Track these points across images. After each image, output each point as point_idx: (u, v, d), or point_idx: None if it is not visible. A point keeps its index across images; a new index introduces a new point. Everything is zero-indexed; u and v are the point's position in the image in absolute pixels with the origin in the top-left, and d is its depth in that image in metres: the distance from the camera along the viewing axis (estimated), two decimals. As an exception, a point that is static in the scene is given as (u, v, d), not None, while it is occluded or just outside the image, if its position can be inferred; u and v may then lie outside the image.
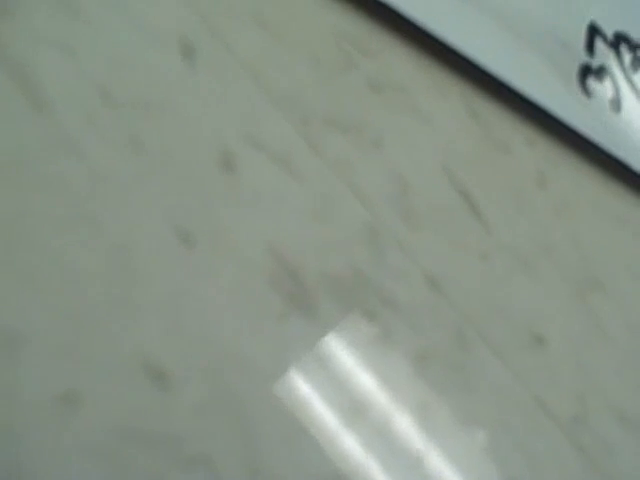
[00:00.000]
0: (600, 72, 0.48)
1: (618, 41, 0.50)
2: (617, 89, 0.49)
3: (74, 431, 0.29)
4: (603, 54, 0.49)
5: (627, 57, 0.50)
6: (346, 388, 0.34)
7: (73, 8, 0.34)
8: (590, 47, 0.49)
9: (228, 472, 0.31)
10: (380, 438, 0.34)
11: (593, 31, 0.49)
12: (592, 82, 0.48)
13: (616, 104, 0.48)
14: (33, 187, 0.32)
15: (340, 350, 0.35)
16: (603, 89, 0.48)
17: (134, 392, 0.31)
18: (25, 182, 0.32)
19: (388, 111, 0.40)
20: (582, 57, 0.48)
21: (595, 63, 0.48)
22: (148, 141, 0.34)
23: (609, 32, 0.50)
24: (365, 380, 0.35)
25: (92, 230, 0.32)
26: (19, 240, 0.31)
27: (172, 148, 0.34)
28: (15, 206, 0.31)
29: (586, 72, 0.48)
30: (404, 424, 0.35)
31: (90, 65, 0.34)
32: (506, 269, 0.40)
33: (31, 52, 0.33)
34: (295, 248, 0.35)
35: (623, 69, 0.50)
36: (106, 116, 0.34)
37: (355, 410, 0.34)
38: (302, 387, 0.33)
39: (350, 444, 0.33)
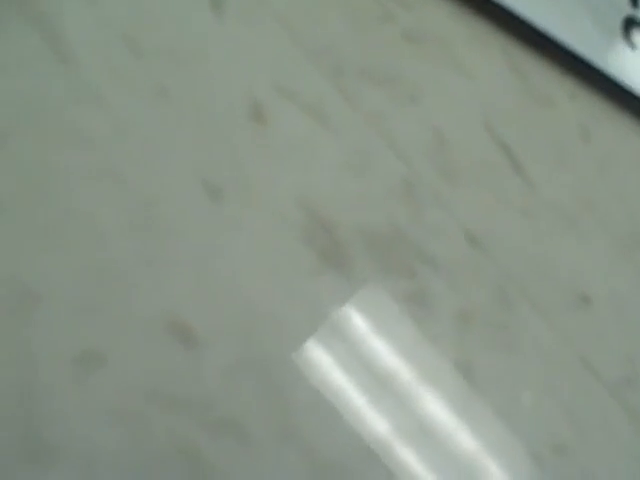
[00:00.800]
0: (645, 25, 0.46)
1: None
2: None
3: (95, 392, 0.28)
4: (648, 6, 0.47)
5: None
6: (382, 350, 0.33)
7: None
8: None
9: (257, 437, 0.30)
10: (418, 400, 0.33)
11: (638, -18, 0.47)
12: (637, 34, 0.46)
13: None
14: (57, 139, 0.30)
15: (377, 310, 0.33)
16: (648, 42, 0.46)
17: (159, 352, 0.29)
18: (49, 134, 0.30)
19: (425, 63, 0.39)
20: (626, 9, 0.46)
21: (640, 15, 0.46)
22: (175, 91, 0.33)
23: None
24: (404, 340, 0.33)
25: (116, 183, 0.31)
26: (41, 193, 0.29)
27: (200, 99, 0.33)
28: (39, 157, 0.30)
29: (631, 24, 0.46)
30: (446, 383, 0.33)
31: (115, 14, 0.33)
32: (549, 226, 0.39)
33: (55, 1, 0.32)
34: (329, 203, 0.34)
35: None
36: (131, 66, 0.32)
37: (392, 372, 0.32)
38: (336, 349, 0.32)
39: (385, 407, 0.32)
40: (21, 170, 0.30)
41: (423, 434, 0.32)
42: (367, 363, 0.33)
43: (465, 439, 0.33)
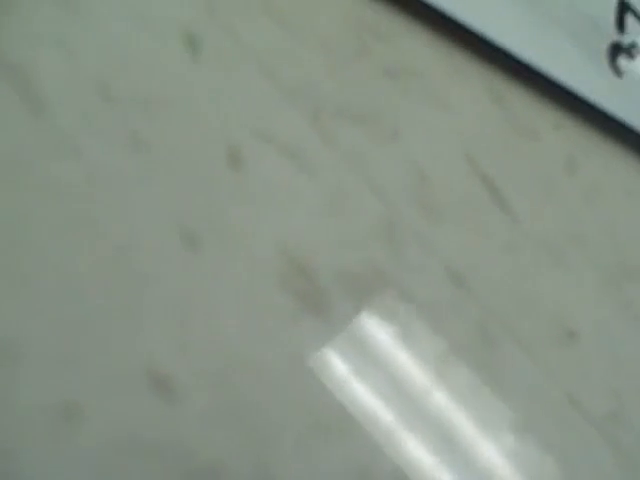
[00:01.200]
0: (632, 50, 0.46)
1: (651, 16, 0.48)
2: (650, 67, 0.47)
3: (75, 445, 0.28)
4: (635, 31, 0.47)
5: (660, 33, 0.48)
6: (363, 393, 0.33)
7: (70, 2, 0.33)
8: (620, 24, 0.46)
9: (240, 478, 0.30)
10: (400, 449, 0.32)
11: (623, 7, 0.47)
12: (623, 61, 0.45)
13: (649, 83, 0.46)
14: (31, 189, 0.30)
15: (357, 352, 0.33)
16: (635, 68, 0.46)
17: (138, 402, 0.29)
18: (22, 184, 0.30)
19: (405, 98, 0.38)
20: (612, 35, 0.46)
21: (626, 40, 0.46)
22: (150, 138, 0.33)
23: (641, 7, 0.47)
24: (383, 384, 0.33)
25: (92, 233, 0.31)
26: (16, 244, 0.29)
27: (176, 145, 0.33)
28: (12, 209, 0.30)
29: (617, 51, 0.45)
30: (428, 423, 0.33)
31: (88, 61, 0.33)
32: (534, 260, 0.38)
33: (27, 50, 0.32)
34: (308, 246, 0.34)
35: (656, 46, 0.47)
36: (105, 113, 0.32)
37: (372, 416, 0.32)
38: (316, 392, 0.32)
39: (365, 449, 0.32)
40: (-7, 224, 0.30)
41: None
42: (350, 403, 0.32)
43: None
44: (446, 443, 0.33)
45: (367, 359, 0.33)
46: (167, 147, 0.33)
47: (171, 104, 0.34)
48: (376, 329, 0.34)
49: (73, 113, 0.32)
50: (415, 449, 0.33)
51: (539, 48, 0.42)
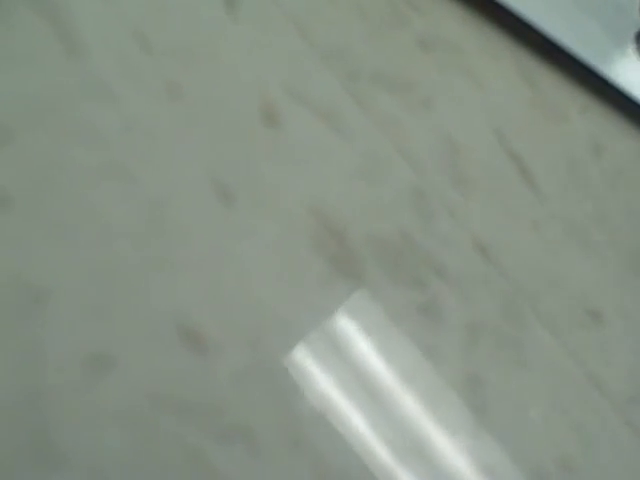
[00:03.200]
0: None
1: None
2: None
3: (103, 395, 0.27)
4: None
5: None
6: (392, 359, 0.32)
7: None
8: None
9: (267, 444, 0.29)
10: (427, 412, 0.32)
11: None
12: (648, 49, 0.45)
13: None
14: (66, 134, 0.29)
15: (387, 319, 0.32)
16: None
17: (168, 357, 0.28)
18: (58, 128, 0.29)
19: (438, 70, 0.38)
20: (639, 21, 0.45)
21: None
22: (186, 89, 0.32)
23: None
24: (412, 351, 0.32)
25: (127, 182, 0.30)
26: (50, 189, 0.29)
27: (212, 98, 0.32)
28: (48, 153, 0.29)
29: (642, 38, 0.45)
30: (453, 397, 0.32)
31: (127, 7, 0.32)
32: (559, 240, 0.38)
33: (65, -6, 0.31)
34: (340, 209, 0.33)
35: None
36: (142, 61, 0.31)
37: (402, 381, 0.32)
38: (345, 356, 0.31)
39: (395, 416, 0.31)
40: (30, 166, 0.29)
41: (427, 447, 0.31)
42: (375, 371, 0.32)
43: (470, 453, 0.32)
44: (474, 412, 0.33)
45: (396, 326, 0.33)
46: (202, 100, 0.32)
47: (208, 57, 0.33)
48: (405, 297, 0.33)
49: (110, 58, 0.31)
50: (448, 412, 0.32)
51: (569, 31, 0.42)
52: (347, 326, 0.32)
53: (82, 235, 0.28)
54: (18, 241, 0.27)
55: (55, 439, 0.26)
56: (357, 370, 0.31)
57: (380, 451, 0.31)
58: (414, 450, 0.31)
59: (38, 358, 0.27)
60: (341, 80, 0.35)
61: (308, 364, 0.30)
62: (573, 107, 0.42)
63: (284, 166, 0.33)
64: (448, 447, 0.32)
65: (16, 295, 0.27)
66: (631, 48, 0.44)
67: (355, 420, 0.31)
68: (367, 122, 0.35)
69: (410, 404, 0.32)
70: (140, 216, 0.29)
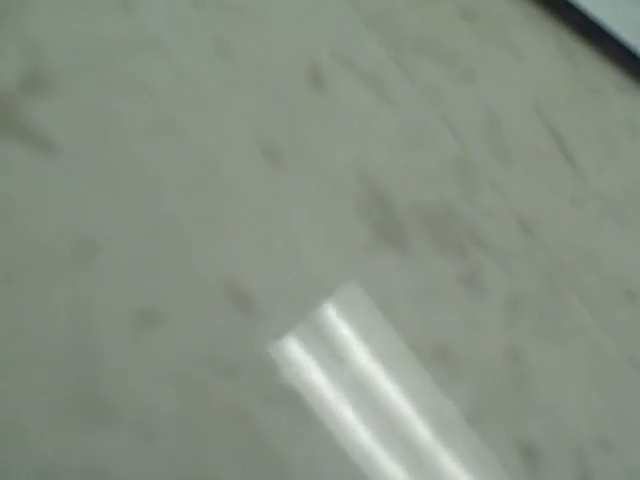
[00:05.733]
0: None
1: None
2: None
3: (151, 351, 0.27)
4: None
5: None
6: (433, 327, 0.31)
7: None
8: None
9: (313, 408, 0.28)
10: (468, 380, 0.31)
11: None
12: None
13: None
14: (116, 87, 0.29)
15: (429, 287, 0.32)
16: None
17: (217, 315, 0.28)
18: (108, 81, 0.29)
19: (480, 41, 0.37)
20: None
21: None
22: (235, 47, 0.31)
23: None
24: (454, 320, 0.32)
25: (176, 137, 0.29)
26: (100, 140, 0.28)
27: (260, 57, 0.32)
28: (96, 104, 0.28)
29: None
30: (496, 368, 0.32)
31: (177, -38, 0.31)
32: (597, 217, 0.37)
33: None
34: (385, 176, 0.32)
35: None
36: (193, 18, 0.31)
37: (441, 349, 0.31)
38: (386, 322, 0.31)
39: (435, 385, 0.31)
40: (78, 115, 0.28)
41: (466, 420, 0.31)
42: (417, 338, 0.31)
43: (507, 427, 0.32)
44: (514, 385, 0.32)
45: (438, 295, 0.32)
46: (251, 58, 0.31)
47: (257, 17, 0.32)
48: (448, 267, 0.33)
49: (160, 12, 0.30)
50: (488, 384, 0.32)
51: (609, 9, 0.41)
52: (389, 293, 0.31)
53: (131, 187, 0.28)
54: (65, 190, 0.27)
55: (102, 394, 0.25)
56: (398, 337, 0.31)
57: (421, 424, 0.30)
58: (454, 425, 0.31)
59: (86, 310, 0.26)
60: (386, 46, 0.35)
61: (351, 328, 0.30)
62: (611, 87, 0.41)
63: (330, 130, 0.32)
64: (487, 419, 0.31)
65: (64, 245, 0.26)
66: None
67: (397, 387, 0.30)
68: (411, 89, 0.34)
69: (449, 371, 0.31)
70: (189, 172, 0.29)
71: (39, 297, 0.25)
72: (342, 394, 0.29)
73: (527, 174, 0.36)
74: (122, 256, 0.27)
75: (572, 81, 0.40)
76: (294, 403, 0.28)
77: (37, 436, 0.24)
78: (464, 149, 0.35)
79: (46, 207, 0.26)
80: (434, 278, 0.32)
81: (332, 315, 0.30)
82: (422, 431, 0.30)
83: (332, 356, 0.29)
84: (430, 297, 0.32)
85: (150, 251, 0.28)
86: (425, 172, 0.33)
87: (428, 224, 0.33)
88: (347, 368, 0.29)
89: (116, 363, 0.26)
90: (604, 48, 0.41)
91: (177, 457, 0.26)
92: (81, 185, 0.27)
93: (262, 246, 0.29)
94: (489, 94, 0.37)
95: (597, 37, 0.41)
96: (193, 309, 0.28)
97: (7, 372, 0.24)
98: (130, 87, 0.29)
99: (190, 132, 0.29)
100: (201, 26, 0.31)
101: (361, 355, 0.30)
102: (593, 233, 0.37)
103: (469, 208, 0.34)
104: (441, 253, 0.32)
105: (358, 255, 0.31)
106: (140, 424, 0.25)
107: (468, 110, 0.36)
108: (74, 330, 0.25)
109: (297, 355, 0.29)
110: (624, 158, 0.40)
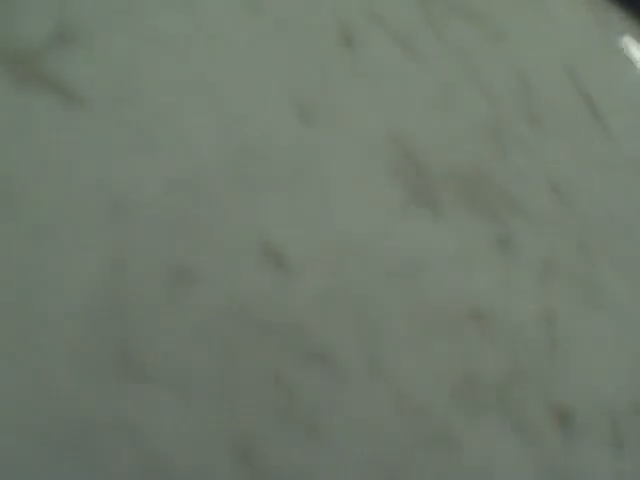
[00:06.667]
0: None
1: None
2: None
3: (185, 310, 0.26)
4: None
5: None
6: (468, 290, 0.31)
7: None
8: None
9: (349, 369, 0.28)
10: (503, 343, 0.31)
11: None
12: None
13: None
14: (146, 41, 0.28)
15: (463, 250, 0.31)
16: None
17: (252, 275, 0.27)
18: (138, 35, 0.28)
19: (511, 3, 0.37)
20: None
21: None
22: (264, 3, 0.31)
23: None
24: (489, 283, 0.31)
25: (207, 95, 0.28)
26: (129, 95, 0.27)
27: (289, 13, 0.31)
28: (127, 59, 0.28)
29: None
30: (529, 331, 0.31)
31: None
32: (628, 182, 0.37)
33: None
34: (418, 137, 0.32)
35: None
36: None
37: (476, 313, 0.31)
38: (423, 282, 0.30)
39: (469, 346, 0.30)
40: (109, 69, 0.27)
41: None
42: (455, 297, 0.31)
43: (540, 389, 0.31)
44: (549, 348, 0.32)
45: (472, 258, 0.32)
46: (281, 13, 0.31)
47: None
48: (481, 230, 0.32)
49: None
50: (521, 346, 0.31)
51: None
52: (423, 255, 0.31)
53: (162, 143, 0.27)
54: (96, 144, 0.26)
55: (136, 351, 0.25)
56: (433, 299, 0.30)
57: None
58: (489, 388, 0.30)
59: (119, 267, 0.25)
60: (417, 6, 0.34)
61: (388, 290, 0.29)
62: (641, 52, 0.40)
63: (361, 89, 0.31)
64: (522, 383, 0.31)
65: (96, 200, 0.26)
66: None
67: (440, 337, 0.30)
68: (443, 50, 0.34)
69: (486, 336, 0.31)
70: (220, 129, 0.28)
71: (72, 253, 0.25)
72: (375, 355, 0.28)
73: (558, 137, 0.36)
74: (155, 214, 0.27)
75: (603, 46, 0.39)
76: (326, 363, 0.28)
77: (68, 389, 0.23)
78: (496, 110, 0.34)
79: (79, 161, 0.26)
80: (467, 240, 0.32)
81: (364, 276, 0.29)
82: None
83: (366, 317, 0.29)
84: (464, 260, 0.31)
85: (183, 209, 0.27)
86: (458, 134, 0.33)
87: (461, 186, 0.32)
88: (379, 328, 0.29)
89: (149, 321, 0.25)
90: (638, 11, 0.41)
91: (210, 415, 0.25)
92: (112, 139, 0.26)
93: (295, 205, 0.29)
94: (520, 56, 0.36)
95: (632, 3, 0.40)
96: (228, 268, 0.27)
97: (40, 325, 0.23)
98: (160, 43, 0.28)
99: (221, 89, 0.29)
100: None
101: (393, 312, 0.29)
102: (623, 198, 0.37)
103: (502, 172, 0.33)
104: (475, 216, 0.32)
105: (391, 217, 0.30)
106: (173, 382, 0.25)
107: (499, 72, 0.35)
108: (108, 287, 0.25)
109: (330, 316, 0.28)
110: (656, 124, 0.39)
